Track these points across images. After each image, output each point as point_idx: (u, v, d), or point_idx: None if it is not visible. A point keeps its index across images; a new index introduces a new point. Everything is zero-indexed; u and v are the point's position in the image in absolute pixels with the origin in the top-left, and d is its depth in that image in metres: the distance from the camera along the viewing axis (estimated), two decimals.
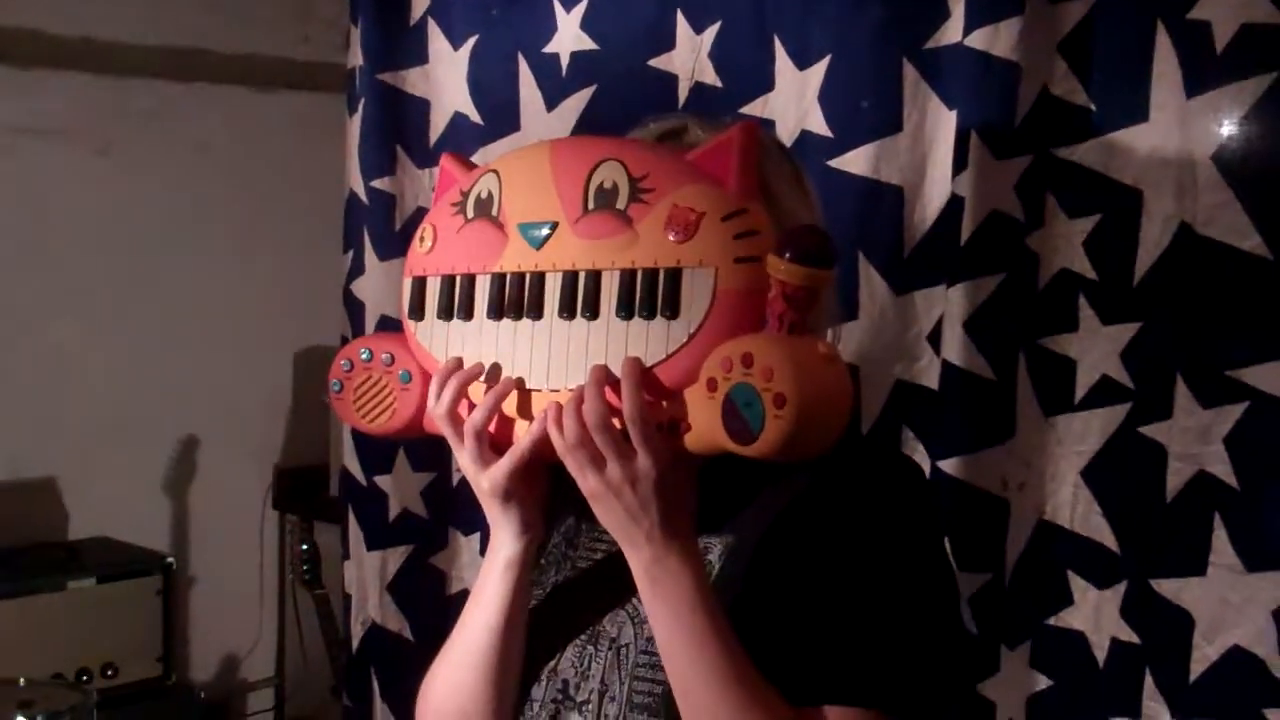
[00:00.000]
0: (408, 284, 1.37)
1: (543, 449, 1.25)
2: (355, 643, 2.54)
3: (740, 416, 1.15)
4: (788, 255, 1.16)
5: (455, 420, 1.30)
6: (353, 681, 2.58)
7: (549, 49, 2.21)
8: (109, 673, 3.14)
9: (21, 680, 2.53)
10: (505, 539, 1.34)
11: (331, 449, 3.56)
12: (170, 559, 3.31)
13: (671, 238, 1.21)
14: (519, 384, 1.27)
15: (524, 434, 1.27)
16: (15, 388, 3.31)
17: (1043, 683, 1.87)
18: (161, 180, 3.49)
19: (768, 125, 1.95)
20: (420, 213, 2.36)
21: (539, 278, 1.27)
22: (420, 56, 2.37)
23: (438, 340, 1.34)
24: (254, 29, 3.59)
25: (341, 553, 2.56)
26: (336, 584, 3.23)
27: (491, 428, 1.29)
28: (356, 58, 2.42)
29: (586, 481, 1.22)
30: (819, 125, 1.95)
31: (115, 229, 3.43)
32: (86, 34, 3.33)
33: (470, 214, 1.33)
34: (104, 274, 3.42)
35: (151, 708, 3.20)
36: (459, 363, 1.31)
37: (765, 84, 2.00)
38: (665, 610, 1.24)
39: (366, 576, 2.50)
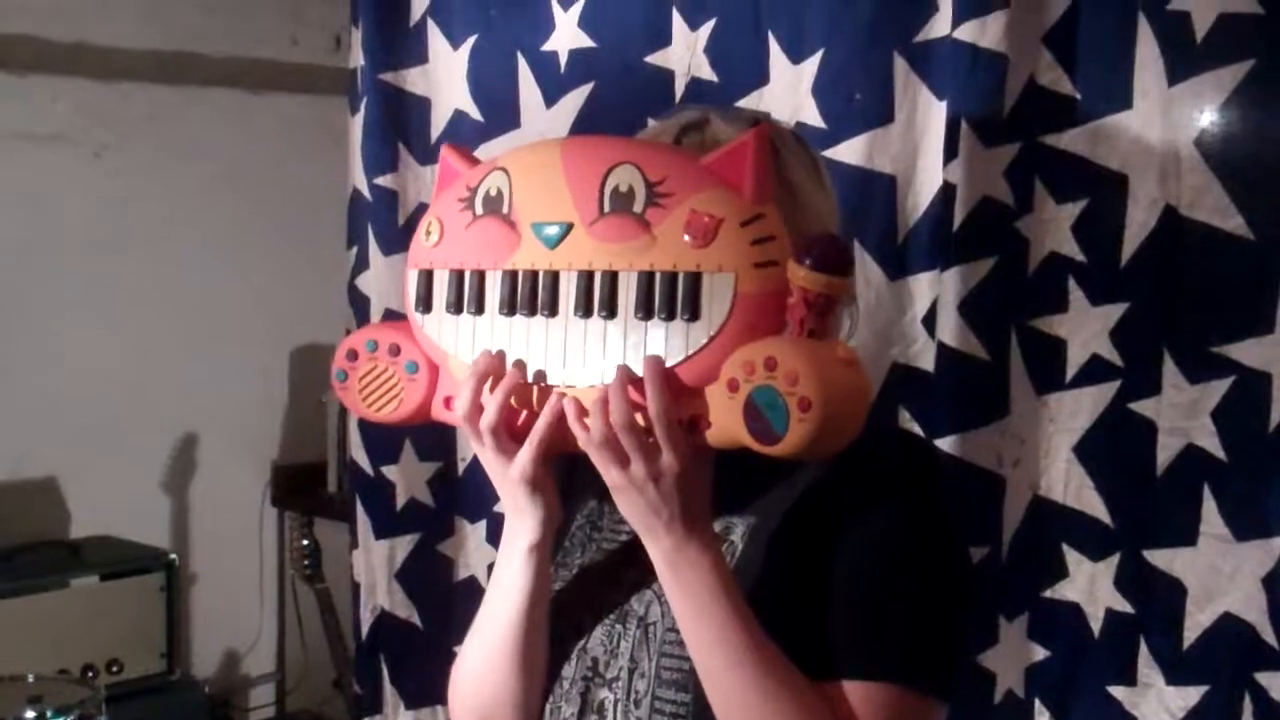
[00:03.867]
0: (412, 276, 1.36)
1: (565, 441, 1.26)
2: (365, 630, 2.55)
3: (763, 418, 1.17)
4: (808, 263, 1.18)
5: (473, 420, 1.29)
6: (362, 668, 2.60)
7: (547, 47, 2.23)
8: (114, 669, 3.14)
9: (30, 676, 2.55)
10: (530, 525, 1.33)
11: (330, 447, 3.59)
12: (173, 556, 3.30)
13: (690, 242, 1.22)
14: (538, 377, 1.27)
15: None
16: (17, 388, 3.31)
17: (1040, 653, 1.92)
18: (157, 182, 3.49)
19: None
20: (423, 208, 2.39)
21: (553, 276, 1.27)
22: (420, 56, 2.39)
23: (447, 333, 1.33)
24: (244, 33, 3.59)
25: (350, 542, 2.58)
26: (336, 579, 3.26)
27: (520, 423, 1.28)
28: (358, 58, 2.44)
29: (610, 476, 1.23)
30: (813, 117, 1.99)
31: (112, 231, 3.43)
32: (81, 39, 3.33)
33: (479, 210, 1.31)
34: (102, 275, 3.42)
35: (157, 702, 3.20)
36: (487, 359, 1.29)
37: (760, 78, 2.04)
38: (686, 596, 1.26)
39: (375, 565, 2.51)
